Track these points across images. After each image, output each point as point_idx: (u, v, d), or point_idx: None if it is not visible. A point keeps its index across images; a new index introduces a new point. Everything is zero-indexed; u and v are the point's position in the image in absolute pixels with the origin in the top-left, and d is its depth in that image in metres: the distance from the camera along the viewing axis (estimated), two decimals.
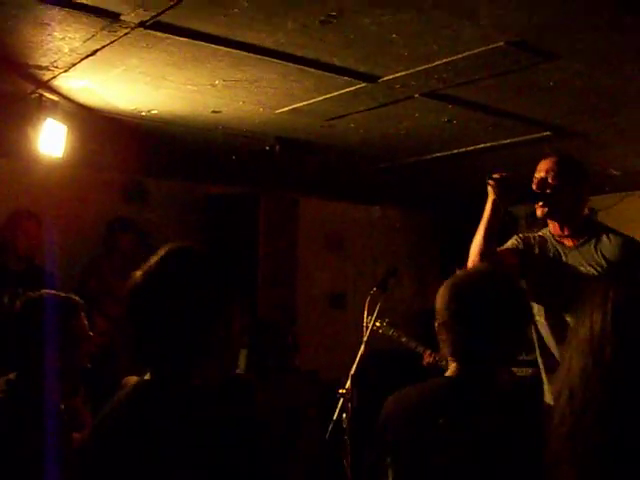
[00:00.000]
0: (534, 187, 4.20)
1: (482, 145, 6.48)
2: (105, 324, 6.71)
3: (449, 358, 2.69)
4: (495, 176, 4.14)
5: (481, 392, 2.57)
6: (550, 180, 4.13)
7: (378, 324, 6.03)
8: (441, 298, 2.65)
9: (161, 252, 2.31)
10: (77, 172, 7.04)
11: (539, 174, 4.20)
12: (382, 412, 2.76)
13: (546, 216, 4.15)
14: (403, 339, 6.60)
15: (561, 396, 1.10)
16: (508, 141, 6.29)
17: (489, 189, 4.19)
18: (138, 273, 2.24)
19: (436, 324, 2.70)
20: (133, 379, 5.37)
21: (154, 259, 2.27)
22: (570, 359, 1.09)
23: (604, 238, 4.06)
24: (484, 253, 3.93)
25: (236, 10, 3.66)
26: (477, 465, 2.41)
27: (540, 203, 4.14)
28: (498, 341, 2.57)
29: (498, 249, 4.14)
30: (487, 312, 2.55)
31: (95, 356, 6.33)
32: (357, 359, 5.46)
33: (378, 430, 2.76)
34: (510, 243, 4.32)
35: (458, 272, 2.78)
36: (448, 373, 2.69)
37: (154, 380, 2.18)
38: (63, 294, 3.62)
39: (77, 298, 3.65)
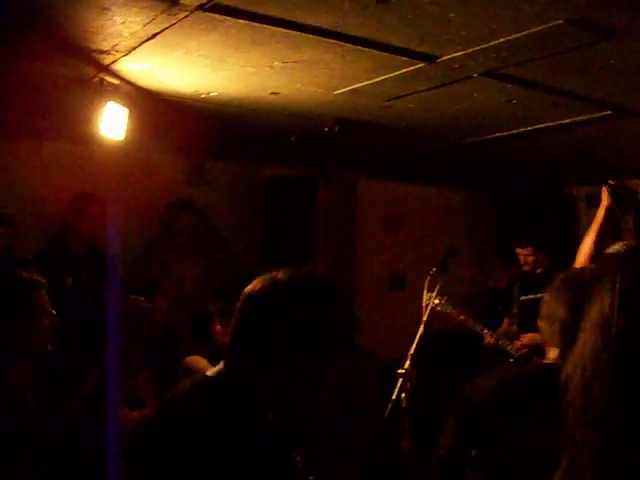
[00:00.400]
0: None
1: (541, 125, 6.41)
2: (165, 305, 6.80)
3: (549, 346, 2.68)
4: (611, 182, 4.25)
5: None
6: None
7: (437, 301, 6.02)
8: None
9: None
10: (138, 155, 7.13)
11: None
12: (465, 397, 2.73)
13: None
14: (462, 317, 6.58)
15: (575, 372, 1.12)
16: (568, 121, 6.22)
17: (603, 194, 4.30)
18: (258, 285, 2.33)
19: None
20: (196, 359, 5.47)
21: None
22: (583, 339, 1.11)
23: None
24: (594, 256, 4.01)
25: None
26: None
27: None
28: None
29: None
30: None
31: (159, 336, 6.48)
32: (416, 339, 5.48)
33: (462, 416, 2.73)
34: None
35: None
36: (549, 359, 2.68)
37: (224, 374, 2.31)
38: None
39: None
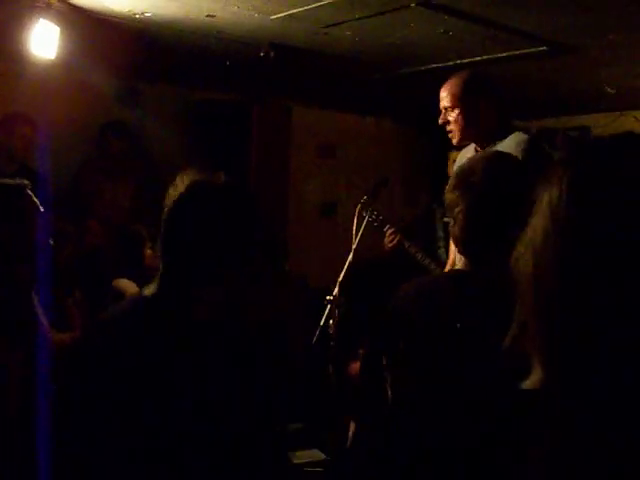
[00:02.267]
0: (440, 121, 4.37)
1: (477, 58, 6.43)
2: (98, 227, 6.75)
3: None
4: None
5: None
6: (443, 109, 4.35)
7: (372, 216, 6.01)
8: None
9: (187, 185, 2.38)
10: (70, 75, 6.99)
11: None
12: (392, 302, 2.75)
13: (458, 143, 4.39)
14: (391, 230, 6.48)
15: (524, 255, 1.19)
16: (504, 55, 6.26)
17: None
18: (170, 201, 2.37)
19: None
20: (124, 282, 5.47)
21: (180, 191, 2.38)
22: (534, 224, 1.17)
23: (506, 140, 4.13)
24: None
25: None
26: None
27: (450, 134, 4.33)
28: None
29: None
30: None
31: (88, 258, 6.44)
32: (345, 267, 5.53)
33: (384, 320, 2.76)
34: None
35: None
36: (459, 266, 2.72)
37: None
38: None
39: None
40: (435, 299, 2.62)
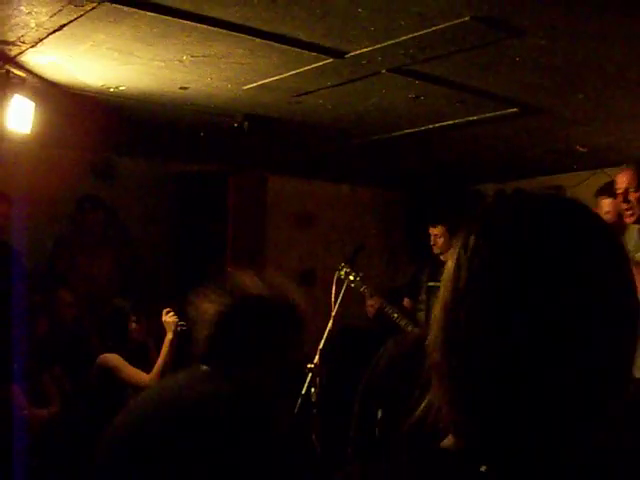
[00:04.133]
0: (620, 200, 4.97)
1: (449, 122, 6.50)
2: (70, 297, 6.68)
3: None
4: None
5: None
6: (630, 196, 4.90)
7: (352, 277, 6.05)
8: None
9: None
10: (45, 149, 7.02)
11: (619, 188, 4.96)
12: (381, 356, 2.75)
13: (633, 222, 4.99)
14: (371, 292, 6.49)
15: (432, 326, 1.19)
16: (475, 118, 6.32)
17: None
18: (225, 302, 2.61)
19: None
20: (112, 357, 5.42)
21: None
22: (439, 294, 1.18)
23: None
24: None
25: None
26: None
27: (629, 212, 4.94)
28: None
29: None
30: None
31: (67, 332, 6.38)
32: (325, 334, 5.51)
33: (364, 389, 2.76)
34: None
35: None
36: None
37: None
38: None
39: None
40: (409, 367, 2.63)
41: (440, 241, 7.19)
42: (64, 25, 4.20)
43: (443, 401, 1.14)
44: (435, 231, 7.21)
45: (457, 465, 1.12)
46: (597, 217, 1.18)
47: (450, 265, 1.16)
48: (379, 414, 2.66)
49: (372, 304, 6.43)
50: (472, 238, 1.14)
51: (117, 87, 5.55)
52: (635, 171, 4.97)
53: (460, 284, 1.12)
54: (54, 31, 4.30)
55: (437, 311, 1.17)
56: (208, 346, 2.60)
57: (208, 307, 2.61)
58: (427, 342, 1.18)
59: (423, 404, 1.29)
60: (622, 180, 4.98)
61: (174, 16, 4.08)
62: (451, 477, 1.11)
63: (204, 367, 2.57)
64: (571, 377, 1.06)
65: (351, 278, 6.06)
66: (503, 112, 6.12)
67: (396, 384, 2.62)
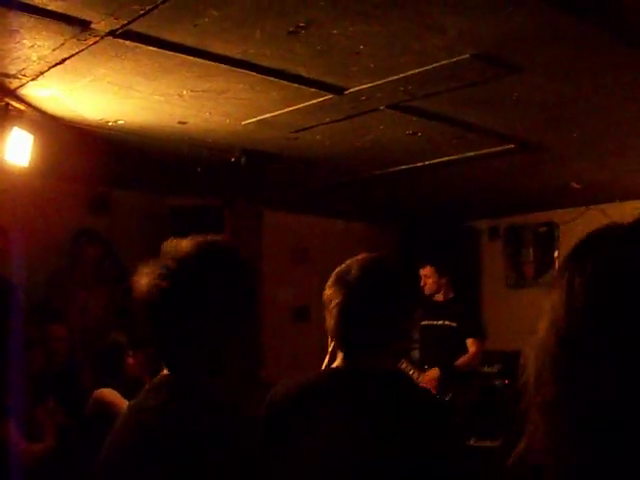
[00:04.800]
0: None
1: (446, 158, 6.54)
2: (63, 331, 6.64)
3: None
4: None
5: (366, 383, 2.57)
6: None
7: None
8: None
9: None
10: (43, 182, 7.02)
11: None
12: (267, 400, 2.73)
13: None
14: None
15: (529, 356, 1.15)
16: (472, 154, 6.36)
17: None
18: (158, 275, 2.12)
19: None
20: (108, 392, 5.37)
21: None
22: (541, 328, 1.14)
23: None
24: None
25: (206, 20, 3.69)
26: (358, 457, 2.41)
27: None
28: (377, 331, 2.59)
29: None
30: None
31: (62, 366, 6.34)
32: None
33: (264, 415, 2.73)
34: None
35: None
36: (334, 365, 2.69)
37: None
38: None
39: None
40: (305, 398, 2.62)
41: (429, 281, 7.21)
42: (66, 59, 4.21)
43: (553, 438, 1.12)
44: (424, 272, 7.24)
45: None
46: None
47: (556, 299, 1.12)
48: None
49: None
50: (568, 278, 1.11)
51: (116, 121, 5.56)
52: None
53: (560, 324, 1.10)
54: (56, 64, 4.31)
55: (541, 347, 1.13)
56: (154, 337, 2.17)
57: (141, 284, 2.15)
58: (522, 381, 1.16)
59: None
60: None
61: (176, 51, 4.10)
62: None
63: (164, 372, 2.18)
64: None
65: None
66: (500, 148, 6.16)
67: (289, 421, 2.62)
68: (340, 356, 2.67)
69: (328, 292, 2.67)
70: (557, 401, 1.09)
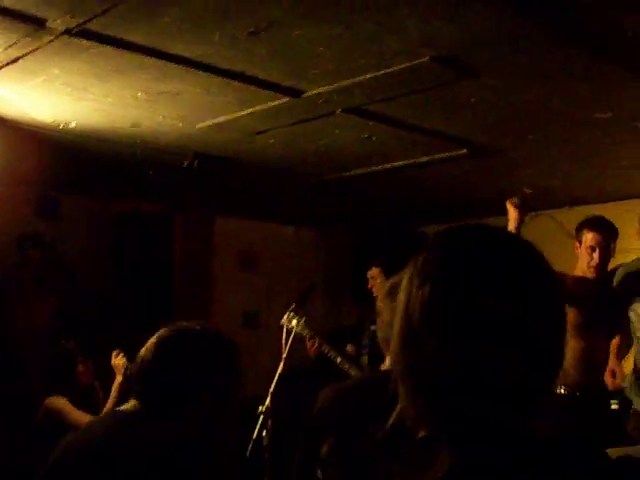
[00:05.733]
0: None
1: (400, 162, 6.52)
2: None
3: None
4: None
5: None
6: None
7: (295, 322, 6.00)
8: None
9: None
10: None
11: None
12: (317, 407, 2.76)
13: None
14: (311, 335, 6.49)
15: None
16: (426, 159, 6.35)
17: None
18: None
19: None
20: (57, 400, 5.26)
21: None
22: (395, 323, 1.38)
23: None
24: None
25: (166, 19, 3.63)
26: None
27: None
28: None
29: None
30: None
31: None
32: (276, 377, 5.43)
33: (311, 427, 2.75)
34: None
35: None
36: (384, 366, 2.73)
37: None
38: None
39: None
40: (356, 401, 2.67)
41: (376, 283, 7.20)
42: (18, 58, 4.11)
43: (411, 407, 1.34)
44: (372, 273, 7.24)
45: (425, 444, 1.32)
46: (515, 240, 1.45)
47: (401, 296, 1.36)
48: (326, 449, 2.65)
49: (311, 346, 6.44)
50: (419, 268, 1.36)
51: (67, 123, 5.44)
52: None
53: (412, 312, 1.31)
54: (7, 63, 4.20)
55: (395, 338, 1.35)
56: (143, 379, 2.50)
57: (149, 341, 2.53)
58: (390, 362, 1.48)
59: (392, 416, 1.47)
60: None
61: (132, 51, 4.02)
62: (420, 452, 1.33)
63: (136, 405, 2.48)
64: (509, 375, 1.26)
65: (294, 322, 6.01)
66: (453, 153, 6.16)
67: (345, 418, 2.62)
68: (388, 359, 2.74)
69: (381, 304, 2.84)
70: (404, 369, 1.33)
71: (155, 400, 2.43)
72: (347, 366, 6.43)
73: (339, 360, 6.44)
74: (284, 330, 5.80)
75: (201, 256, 8.40)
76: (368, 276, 7.27)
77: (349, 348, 7.27)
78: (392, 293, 2.65)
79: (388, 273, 7.19)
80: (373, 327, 7.15)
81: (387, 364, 2.70)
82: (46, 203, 7.87)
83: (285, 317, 5.94)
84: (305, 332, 6.33)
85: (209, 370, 2.48)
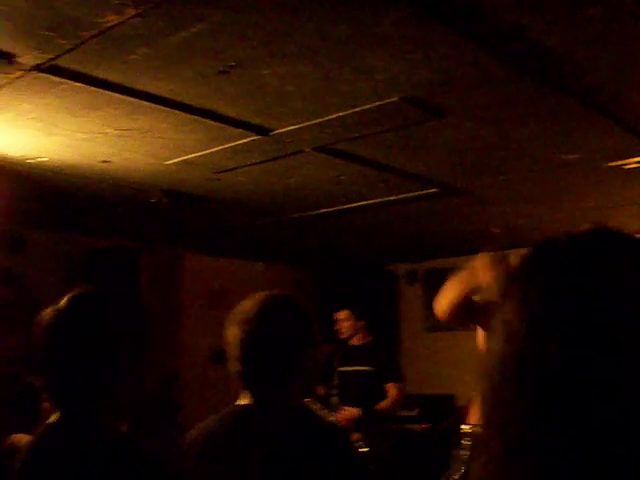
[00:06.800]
0: None
1: (368, 201, 6.56)
2: None
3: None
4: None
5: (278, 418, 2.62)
6: None
7: None
8: None
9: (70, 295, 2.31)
10: None
11: None
12: (184, 440, 2.76)
13: None
14: None
15: (483, 377, 1.10)
16: (394, 197, 6.39)
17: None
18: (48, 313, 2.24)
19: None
20: (22, 438, 5.18)
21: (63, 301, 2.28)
22: (490, 347, 1.09)
23: None
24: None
25: (135, 56, 3.63)
26: None
27: None
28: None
29: None
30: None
31: None
32: None
33: (178, 460, 2.74)
34: None
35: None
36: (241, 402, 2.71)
37: (61, 422, 2.18)
38: None
39: None
40: (215, 438, 2.65)
41: (346, 325, 7.19)
42: None
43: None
44: (340, 315, 7.22)
45: None
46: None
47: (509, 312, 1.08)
48: None
49: None
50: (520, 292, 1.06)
51: (36, 158, 5.42)
52: None
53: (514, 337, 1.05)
54: None
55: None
56: (45, 376, 2.19)
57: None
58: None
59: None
60: None
61: (103, 87, 4.02)
62: None
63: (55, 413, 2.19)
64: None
65: None
66: (422, 192, 6.20)
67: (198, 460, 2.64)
68: (243, 395, 2.69)
69: (228, 332, 2.71)
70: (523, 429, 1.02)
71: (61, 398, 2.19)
72: (316, 407, 6.42)
73: (307, 401, 6.42)
74: None
75: (169, 292, 8.37)
76: (337, 317, 7.26)
77: (319, 389, 7.24)
78: (239, 321, 2.70)
79: (357, 315, 7.20)
80: (341, 369, 7.16)
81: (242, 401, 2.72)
82: (14, 238, 7.81)
83: None
84: None
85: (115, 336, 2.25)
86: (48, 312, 2.26)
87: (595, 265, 1.05)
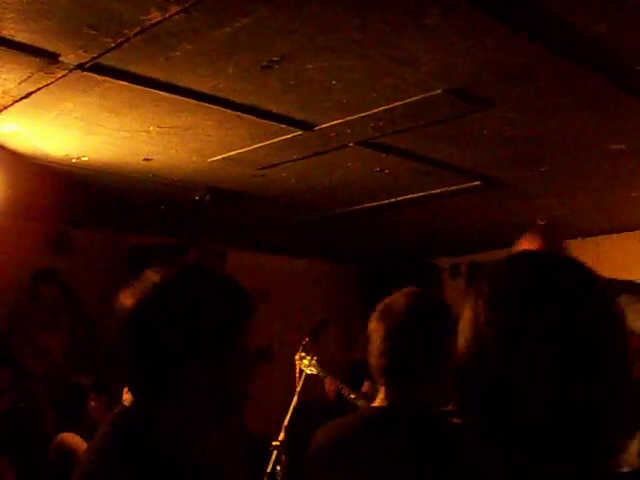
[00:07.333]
0: None
1: (412, 195, 6.51)
2: (7, 375, 6.42)
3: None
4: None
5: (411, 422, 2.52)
6: None
7: (306, 362, 5.95)
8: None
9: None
10: (1, 220, 6.87)
11: None
12: (310, 445, 2.69)
13: None
14: (325, 375, 6.44)
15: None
16: (438, 191, 6.33)
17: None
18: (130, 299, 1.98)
19: None
20: (69, 436, 5.22)
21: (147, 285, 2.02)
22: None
23: None
24: None
25: (178, 53, 3.62)
26: None
27: None
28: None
29: None
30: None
31: (9, 415, 6.13)
32: (290, 410, 5.39)
33: (305, 466, 2.69)
34: None
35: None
36: (375, 403, 2.64)
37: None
38: None
39: None
40: (347, 443, 2.56)
41: None
42: (31, 93, 4.11)
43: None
44: None
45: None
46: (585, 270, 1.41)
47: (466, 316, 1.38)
48: None
49: (328, 387, 6.40)
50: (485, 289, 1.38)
51: (79, 157, 5.44)
52: None
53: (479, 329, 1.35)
54: (21, 98, 4.20)
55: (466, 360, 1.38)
56: (128, 367, 2.00)
57: (121, 305, 1.98)
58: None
59: None
60: None
61: (145, 85, 4.02)
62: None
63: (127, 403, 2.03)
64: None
65: (305, 362, 5.96)
66: (466, 185, 6.14)
67: (335, 461, 2.57)
68: (382, 393, 2.61)
69: (370, 327, 2.64)
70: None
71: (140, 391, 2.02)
72: (361, 403, 6.38)
73: (355, 399, 6.39)
74: (297, 363, 5.76)
75: None
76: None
77: (365, 387, 7.20)
78: (384, 315, 2.61)
79: None
80: None
81: (380, 398, 2.62)
82: (59, 238, 7.86)
83: (297, 356, 5.89)
84: (317, 372, 6.28)
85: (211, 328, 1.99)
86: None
87: (525, 285, 1.36)
